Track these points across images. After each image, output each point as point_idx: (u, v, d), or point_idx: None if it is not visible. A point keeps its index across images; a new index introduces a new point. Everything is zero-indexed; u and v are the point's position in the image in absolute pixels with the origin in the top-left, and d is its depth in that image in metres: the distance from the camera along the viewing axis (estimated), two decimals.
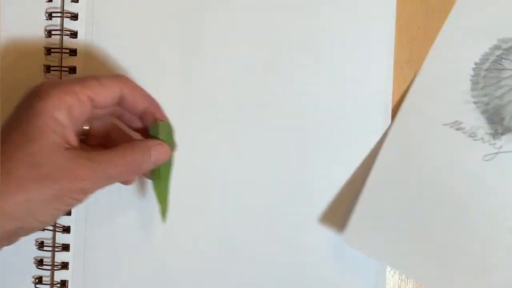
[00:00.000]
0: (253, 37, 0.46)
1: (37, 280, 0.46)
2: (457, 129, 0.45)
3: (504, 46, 0.45)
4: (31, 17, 0.46)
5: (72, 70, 0.46)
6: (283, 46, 0.46)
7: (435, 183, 0.45)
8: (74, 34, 0.46)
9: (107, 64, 0.46)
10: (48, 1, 0.46)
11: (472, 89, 0.45)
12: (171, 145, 0.42)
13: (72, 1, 0.46)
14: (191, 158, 0.45)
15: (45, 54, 0.46)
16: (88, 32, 0.46)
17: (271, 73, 0.46)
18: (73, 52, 0.46)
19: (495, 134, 0.45)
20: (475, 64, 0.45)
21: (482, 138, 0.45)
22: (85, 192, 0.37)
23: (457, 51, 0.45)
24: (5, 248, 0.37)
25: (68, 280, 0.46)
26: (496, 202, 0.44)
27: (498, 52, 0.45)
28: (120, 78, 0.40)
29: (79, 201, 0.37)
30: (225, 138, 0.46)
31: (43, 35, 0.46)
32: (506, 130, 0.45)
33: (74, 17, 0.46)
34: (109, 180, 0.38)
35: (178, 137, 0.44)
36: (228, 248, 0.45)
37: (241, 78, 0.46)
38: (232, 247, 0.45)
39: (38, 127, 0.36)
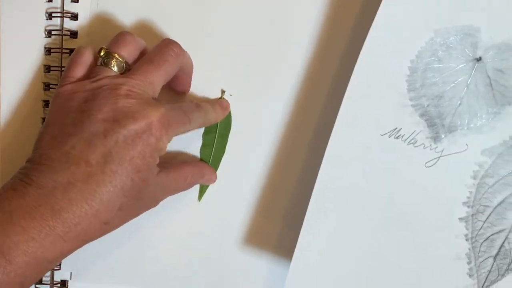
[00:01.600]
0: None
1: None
2: (396, 138, 0.41)
3: (442, 38, 0.40)
4: (31, 17, 0.46)
5: None
6: None
7: (379, 199, 0.41)
8: (74, 34, 0.46)
9: None
10: (48, 1, 0.46)
11: (409, 90, 0.40)
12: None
13: (72, 1, 0.46)
14: None
15: (45, 54, 0.46)
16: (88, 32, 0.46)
17: None
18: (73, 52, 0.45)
19: (436, 137, 0.41)
20: (411, 62, 0.40)
21: (422, 144, 0.41)
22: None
23: (390, 49, 0.40)
24: None
25: (68, 280, 0.46)
26: (442, 210, 0.41)
27: (435, 46, 0.40)
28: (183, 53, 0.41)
29: None
30: None
31: (43, 35, 0.46)
32: (447, 132, 0.41)
33: (74, 17, 0.46)
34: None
35: None
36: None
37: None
38: None
39: (149, 166, 0.38)
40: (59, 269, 0.46)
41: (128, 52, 0.40)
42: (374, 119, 0.41)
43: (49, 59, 0.45)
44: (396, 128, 0.41)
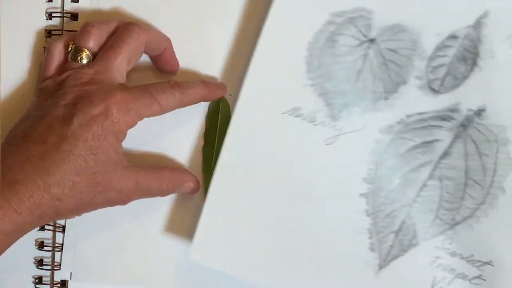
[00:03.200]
0: None
1: (37, 280, 0.46)
2: (297, 116, 0.42)
3: (337, 20, 0.41)
4: (31, 17, 0.46)
5: None
6: None
7: (281, 177, 0.43)
8: None
9: None
10: (48, 1, 0.46)
11: (308, 71, 0.42)
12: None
13: (72, 1, 0.46)
14: None
15: (45, 54, 0.45)
16: None
17: None
18: None
19: (335, 116, 0.42)
20: (309, 43, 0.41)
21: (322, 122, 0.42)
22: (122, 204, 0.41)
23: (288, 32, 0.41)
24: None
25: (68, 280, 0.46)
26: (342, 186, 0.43)
27: (331, 28, 0.41)
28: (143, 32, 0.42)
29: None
30: None
31: (43, 35, 0.46)
32: (346, 110, 0.42)
33: (74, 17, 0.46)
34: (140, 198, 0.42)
35: None
36: None
37: None
38: None
39: (106, 150, 0.38)
40: (59, 269, 0.46)
41: (94, 42, 0.41)
42: (275, 98, 0.42)
43: None
44: (296, 107, 0.42)
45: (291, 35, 0.41)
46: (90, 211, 0.40)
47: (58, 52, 0.42)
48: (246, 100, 0.42)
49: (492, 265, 0.43)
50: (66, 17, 0.46)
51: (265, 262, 0.43)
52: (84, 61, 0.40)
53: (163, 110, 0.41)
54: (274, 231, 0.43)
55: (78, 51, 0.41)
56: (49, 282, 0.46)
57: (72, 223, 0.45)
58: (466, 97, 0.41)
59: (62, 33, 0.45)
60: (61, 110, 0.38)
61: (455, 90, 0.41)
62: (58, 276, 0.46)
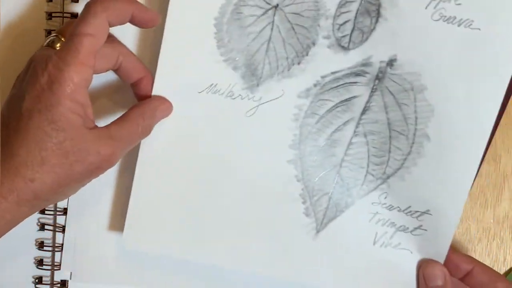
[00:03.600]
0: None
1: (37, 280, 0.47)
2: (214, 93, 0.42)
3: None
4: (31, 17, 0.46)
5: None
6: None
7: (206, 154, 0.43)
8: None
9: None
10: (48, 1, 0.46)
11: (219, 47, 0.41)
12: None
13: (72, 1, 0.46)
14: None
15: None
16: None
17: None
18: None
19: (252, 88, 0.42)
20: (215, 19, 0.41)
21: (240, 95, 0.42)
22: (110, 165, 0.39)
23: (194, 11, 0.41)
24: (5, 248, 0.40)
25: (68, 280, 0.46)
26: (269, 155, 0.43)
27: (235, 1, 0.41)
28: (117, 47, 0.41)
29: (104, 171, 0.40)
30: None
31: (43, 35, 0.46)
32: (261, 80, 0.42)
33: (74, 17, 0.46)
34: (129, 149, 0.41)
35: None
36: None
37: None
38: None
39: (63, 115, 0.37)
40: (59, 269, 0.46)
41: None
42: (190, 78, 0.42)
43: None
44: (212, 84, 0.42)
45: (196, 14, 0.41)
46: (77, 185, 0.39)
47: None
48: (161, 83, 0.42)
49: (430, 214, 0.43)
50: (66, 17, 0.45)
51: (201, 239, 0.44)
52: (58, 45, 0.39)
53: (98, 40, 0.38)
54: (205, 208, 0.43)
55: (56, 38, 0.40)
56: (49, 282, 0.46)
57: (72, 223, 0.45)
58: (376, 49, 0.40)
59: None
60: (16, 88, 0.38)
61: (364, 44, 0.40)
62: (58, 276, 0.46)
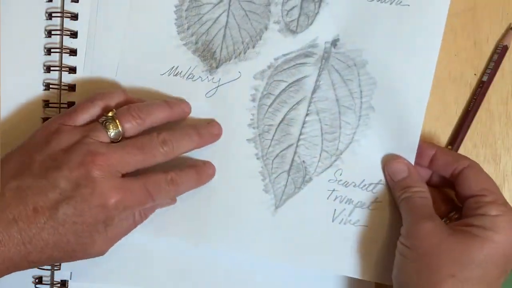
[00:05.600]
0: None
1: (37, 280, 0.46)
2: (175, 75, 0.45)
3: None
4: (31, 17, 0.46)
5: (72, 70, 0.46)
6: None
7: None
8: (74, 34, 0.46)
9: (108, 64, 0.45)
10: (48, 1, 0.46)
11: (179, 32, 0.45)
12: None
13: (72, 1, 0.46)
14: None
15: (45, 54, 0.46)
16: (89, 32, 0.46)
17: None
18: (73, 52, 0.46)
19: (211, 70, 0.46)
20: (176, 6, 0.45)
21: (200, 77, 0.45)
22: (99, 255, 0.42)
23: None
24: None
25: (68, 280, 0.46)
26: (229, 134, 0.45)
27: None
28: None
29: None
30: None
31: (43, 35, 0.46)
32: (220, 63, 0.45)
33: (74, 17, 0.46)
34: None
35: None
36: None
37: None
38: None
39: (89, 234, 0.39)
40: (59, 269, 0.45)
41: (132, 128, 0.41)
42: (153, 62, 0.45)
43: (49, 59, 0.46)
44: (173, 67, 0.45)
45: (158, 1, 0.45)
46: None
47: (97, 109, 0.41)
48: (125, 67, 0.45)
49: (382, 184, 0.45)
50: (66, 17, 0.46)
51: (161, 215, 0.44)
52: (112, 135, 0.40)
53: (159, 204, 0.43)
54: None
55: (113, 123, 0.40)
56: (49, 282, 0.46)
57: None
58: (321, 31, 0.45)
59: (62, 33, 0.45)
60: (60, 182, 0.38)
61: (310, 27, 0.45)
62: (58, 276, 0.46)
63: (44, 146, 0.39)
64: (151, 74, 0.45)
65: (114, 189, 0.39)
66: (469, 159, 0.43)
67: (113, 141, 0.40)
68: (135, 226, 0.42)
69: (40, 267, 0.45)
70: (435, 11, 0.44)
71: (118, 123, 0.40)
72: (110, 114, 0.41)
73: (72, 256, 0.39)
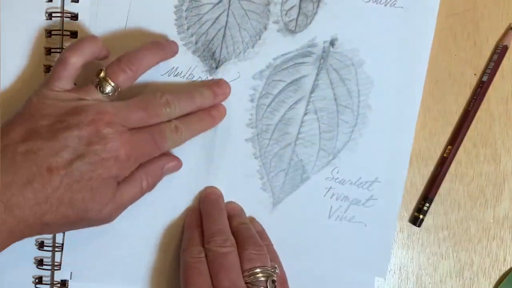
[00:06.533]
0: None
1: (37, 280, 0.46)
2: (176, 75, 0.46)
3: None
4: (31, 17, 0.46)
5: None
6: None
7: None
8: (74, 34, 0.46)
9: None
10: (48, 1, 0.46)
11: (179, 33, 0.46)
12: None
13: (72, 1, 0.46)
14: None
15: (45, 54, 0.46)
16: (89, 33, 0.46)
17: None
18: None
19: (211, 70, 0.46)
20: (175, 7, 0.46)
21: (200, 77, 0.46)
22: (108, 222, 0.42)
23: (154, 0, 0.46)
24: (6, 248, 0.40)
25: (68, 280, 0.46)
26: (228, 134, 0.46)
27: None
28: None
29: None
30: None
31: (43, 35, 0.46)
32: (219, 63, 0.46)
33: (74, 17, 0.46)
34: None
35: None
36: None
37: None
38: None
39: (103, 189, 0.40)
40: (59, 269, 0.46)
41: (125, 81, 0.42)
42: None
43: (50, 59, 0.46)
44: (173, 67, 0.46)
45: (157, 2, 0.46)
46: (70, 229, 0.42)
47: (78, 64, 0.42)
48: None
49: (379, 182, 0.46)
50: (66, 17, 0.46)
51: (161, 209, 0.45)
52: (108, 92, 0.41)
53: (165, 150, 0.43)
54: (166, 180, 0.45)
55: (106, 82, 0.41)
56: (49, 282, 0.46)
57: None
58: (319, 31, 0.45)
59: (62, 33, 0.46)
60: (73, 141, 0.39)
61: (308, 27, 0.46)
62: (58, 276, 0.46)
63: (46, 111, 0.40)
64: (151, 75, 0.45)
65: (124, 142, 0.40)
66: None
67: (110, 98, 0.41)
68: (141, 194, 0.43)
69: (40, 267, 0.45)
70: (426, 13, 0.45)
71: (110, 81, 0.41)
72: (101, 75, 0.41)
73: (84, 217, 0.40)
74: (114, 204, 0.41)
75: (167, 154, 0.45)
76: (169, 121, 0.42)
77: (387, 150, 0.45)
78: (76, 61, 0.41)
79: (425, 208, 0.46)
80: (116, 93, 0.41)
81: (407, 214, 0.47)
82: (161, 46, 0.44)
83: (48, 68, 0.46)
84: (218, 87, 0.45)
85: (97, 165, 0.39)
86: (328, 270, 0.46)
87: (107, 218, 0.42)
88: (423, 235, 0.47)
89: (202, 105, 0.44)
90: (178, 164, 0.45)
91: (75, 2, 0.46)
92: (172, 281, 0.46)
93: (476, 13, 0.47)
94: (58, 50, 0.46)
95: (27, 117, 0.40)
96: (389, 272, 0.47)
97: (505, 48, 0.47)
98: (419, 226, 0.47)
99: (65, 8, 0.46)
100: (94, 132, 0.39)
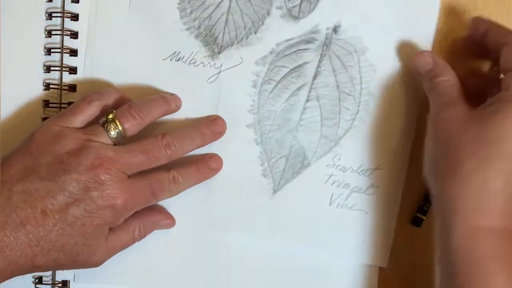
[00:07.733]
0: None
1: (37, 280, 0.46)
2: (177, 60, 0.46)
3: None
4: (31, 17, 0.46)
5: (73, 70, 0.46)
6: None
7: (169, 118, 0.45)
8: (74, 34, 0.46)
9: (109, 64, 0.46)
10: (48, 1, 0.46)
11: (181, 17, 0.46)
12: None
13: (72, 1, 0.46)
14: None
15: (45, 54, 0.46)
16: (89, 33, 0.46)
17: None
18: (73, 52, 0.46)
19: (213, 55, 0.46)
20: None
21: (202, 63, 0.46)
22: (95, 266, 0.43)
23: None
24: None
25: (69, 280, 0.46)
26: (229, 120, 0.46)
27: None
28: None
29: None
30: None
31: (43, 35, 0.46)
32: (222, 48, 0.46)
33: (75, 17, 0.46)
34: None
35: None
36: None
37: None
38: None
39: (96, 236, 0.40)
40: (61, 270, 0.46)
41: (132, 127, 0.42)
42: (154, 46, 0.46)
43: (50, 60, 0.46)
44: (175, 52, 0.46)
45: None
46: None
47: (95, 109, 0.42)
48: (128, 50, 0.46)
49: (380, 169, 0.46)
50: (66, 17, 0.46)
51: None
52: (113, 137, 0.41)
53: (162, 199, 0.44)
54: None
55: (114, 124, 0.41)
56: (49, 282, 0.46)
57: None
58: (322, 17, 0.45)
59: (63, 33, 0.46)
60: (70, 185, 0.39)
61: (312, 13, 0.45)
62: (60, 277, 0.46)
63: (48, 148, 0.40)
64: (153, 59, 0.45)
65: (122, 190, 0.40)
66: None
67: (115, 142, 0.41)
68: (132, 243, 0.43)
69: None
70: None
71: (118, 124, 0.41)
72: (110, 116, 0.41)
73: (75, 260, 0.40)
74: (105, 250, 0.41)
75: (163, 211, 0.45)
76: (168, 171, 0.43)
77: (389, 137, 0.45)
78: (99, 103, 0.42)
79: (425, 208, 0.46)
80: (121, 140, 0.41)
81: (407, 214, 0.47)
82: (167, 101, 0.44)
83: (48, 68, 0.46)
84: (216, 126, 0.45)
85: (93, 212, 0.39)
86: (328, 257, 0.46)
87: (96, 263, 0.42)
88: (423, 235, 0.47)
89: (202, 145, 0.44)
90: (172, 222, 0.46)
91: (75, 2, 0.46)
92: (173, 281, 0.46)
93: (476, 13, 0.46)
94: (58, 50, 0.46)
95: (27, 151, 0.40)
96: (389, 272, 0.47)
97: None
98: (419, 226, 0.47)
99: (65, 8, 0.46)
100: (92, 177, 0.39)
